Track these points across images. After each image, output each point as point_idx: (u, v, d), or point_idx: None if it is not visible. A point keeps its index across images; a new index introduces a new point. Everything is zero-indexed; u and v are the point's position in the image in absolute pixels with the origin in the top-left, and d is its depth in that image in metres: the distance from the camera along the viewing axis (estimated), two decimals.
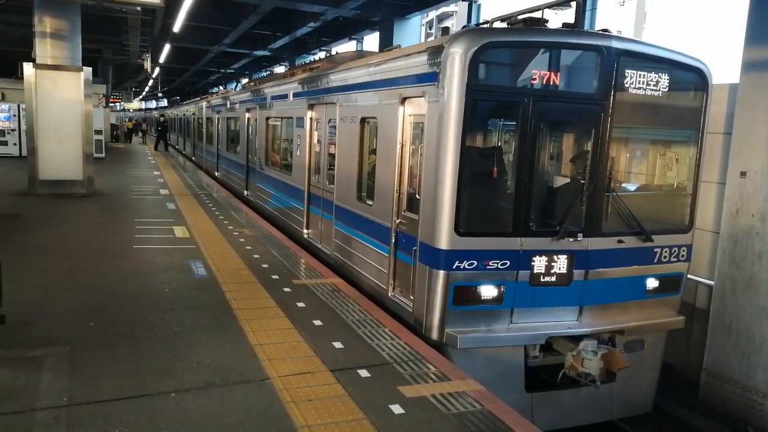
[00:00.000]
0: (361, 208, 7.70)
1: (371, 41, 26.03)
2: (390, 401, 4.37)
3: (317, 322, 6.02)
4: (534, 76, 5.66)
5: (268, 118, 13.27)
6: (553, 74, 5.69)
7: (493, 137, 6.80)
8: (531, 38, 5.86)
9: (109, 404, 4.14)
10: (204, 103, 24.40)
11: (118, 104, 58.08)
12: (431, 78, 5.87)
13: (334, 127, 8.71)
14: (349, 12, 21.48)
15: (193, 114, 28.13)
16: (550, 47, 5.77)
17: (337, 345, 5.44)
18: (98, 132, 22.26)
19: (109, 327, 5.62)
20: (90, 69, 14.42)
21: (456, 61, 5.50)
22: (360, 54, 10.95)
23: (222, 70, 45.58)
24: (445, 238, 5.66)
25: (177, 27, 21.53)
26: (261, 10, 22.02)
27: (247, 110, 15.29)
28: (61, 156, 13.92)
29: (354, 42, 27.07)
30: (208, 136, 23.13)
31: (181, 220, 11.47)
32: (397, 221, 6.67)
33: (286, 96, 11.62)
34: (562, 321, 6.10)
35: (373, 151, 7.51)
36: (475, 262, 5.69)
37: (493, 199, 6.37)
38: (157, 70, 40.47)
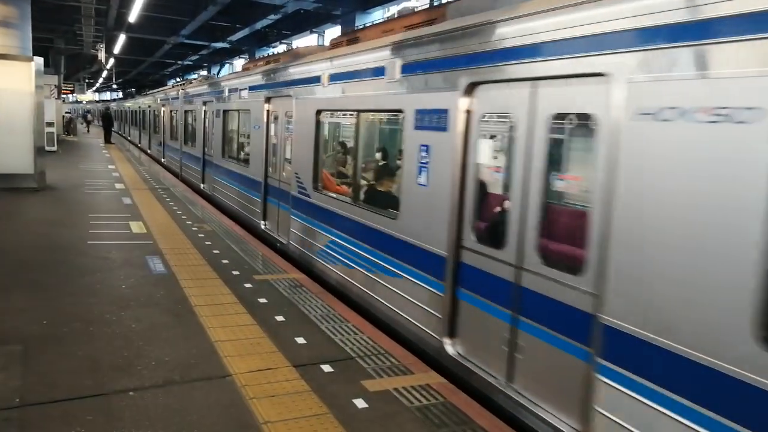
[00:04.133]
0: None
1: (333, 35, 25.92)
2: (353, 395, 4.37)
3: (279, 318, 5.97)
4: None
5: (332, 113, 8.25)
6: None
7: None
8: None
9: (65, 404, 4.03)
10: (181, 92, 19.36)
11: (70, 96, 56.33)
12: None
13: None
14: (309, 5, 21.38)
15: (163, 106, 23.06)
16: None
17: (300, 340, 5.41)
18: (50, 124, 21.56)
19: (63, 325, 5.46)
20: (41, 59, 13.93)
21: None
22: None
23: (179, 62, 44.82)
24: None
25: (133, 17, 21.02)
26: (220, 0, 21.71)
27: (267, 100, 10.25)
28: (11, 149, 13.41)
29: (315, 35, 26.92)
30: (189, 136, 17.97)
31: (138, 215, 11.22)
32: None
33: (380, 71, 6.36)
34: None
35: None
36: None
37: None
38: (111, 61, 39.44)
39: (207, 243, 9.15)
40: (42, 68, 13.93)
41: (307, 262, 8.28)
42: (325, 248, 7.66)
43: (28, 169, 13.67)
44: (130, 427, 3.78)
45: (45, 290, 6.48)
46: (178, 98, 19.50)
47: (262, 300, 6.53)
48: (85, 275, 7.11)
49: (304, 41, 28.29)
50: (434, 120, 5.38)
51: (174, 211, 11.83)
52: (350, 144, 8.21)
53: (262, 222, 10.46)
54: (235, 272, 7.58)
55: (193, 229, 10.21)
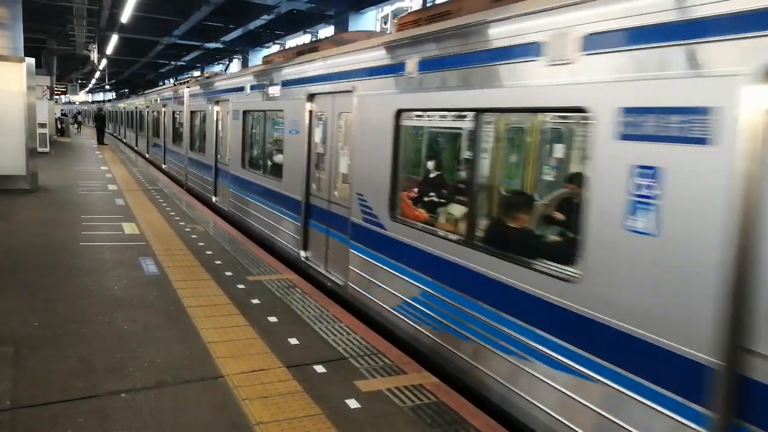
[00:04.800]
0: None
1: (326, 36, 25.92)
2: (346, 396, 4.38)
3: (272, 319, 5.97)
4: None
5: (426, 114, 6.28)
6: None
7: None
8: None
9: (57, 406, 4.01)
10: (186, 91, 17.13)
11: (63, 96, 56.10)
12: None
13: None
14: (303, 5, 21.37)
15: (164, 106, 20.95)
16: None
17: (293, 341, 5.41)
18: (42, 125, 21.47)
19: (56, 326, 5.44)
20: (33, 60, 13.88)
21: None
22: None
23: (173, 63, 44.66)
24: None
25: (125, 17, 20.93)
26: (214, 0, 21.66)
27: (310, 98, 8.15)
28: (3, 150, 13.34)
29: (308, 36, 26.91)
30: (196, 140, 15.89)
31: (131, 216, 11.19)
32: None
33: (531, 50, 4.17)
34: None
35: None
36: None
37: None
38: (104, 61, 39.29)
39: (200, 244, 9.13)
40: (34, 69, 13.88)
41: (380, 315, 6.20)
42: (412, 302, 5.60)
43: (20, 171, 13.61)
44: (123, 429, 3.77)
45: (37, 291, 6.45)
46: (181, 97, 17.60)
47: (255, 301, 6.52)
48: (78, 276, 7.09)
49: (298, 42, 28.30)
50: (674, 125, 3.17)
51: (167, 213, 11.80)
52: (465, 158, 6.05)
53: (302, 252, 8.34)
54: (228, 273, 7.57)
55: (186, 230, 10.19)
